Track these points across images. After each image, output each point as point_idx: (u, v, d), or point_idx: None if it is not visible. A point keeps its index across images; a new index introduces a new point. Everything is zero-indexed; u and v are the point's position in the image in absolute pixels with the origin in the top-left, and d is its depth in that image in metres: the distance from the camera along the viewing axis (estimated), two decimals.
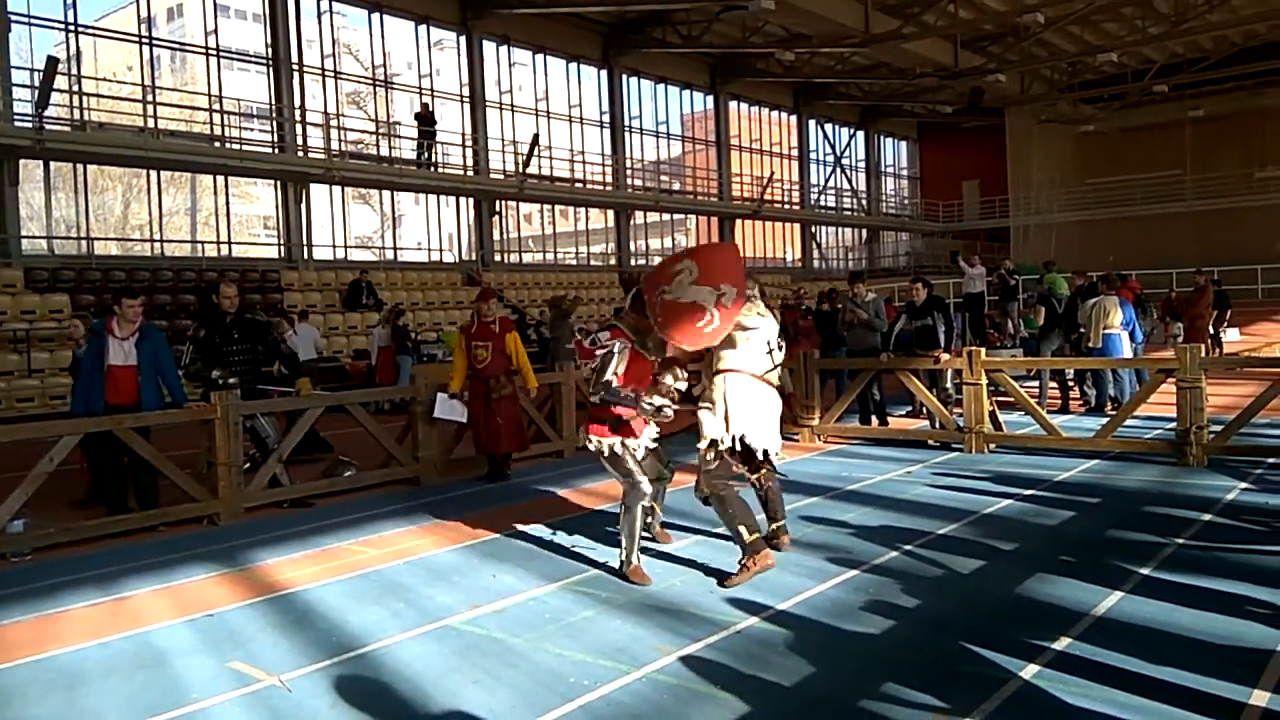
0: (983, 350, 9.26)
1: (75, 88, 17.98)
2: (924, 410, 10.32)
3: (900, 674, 3.70)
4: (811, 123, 35.21)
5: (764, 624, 4.36)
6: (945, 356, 9.32)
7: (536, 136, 23.89)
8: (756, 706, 3.48)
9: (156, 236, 19.79)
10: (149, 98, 18.38)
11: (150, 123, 18.20)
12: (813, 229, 35.48)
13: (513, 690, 3.69)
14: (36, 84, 16.16)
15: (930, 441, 9.44)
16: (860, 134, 37.94)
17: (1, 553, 6.14)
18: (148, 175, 19.49)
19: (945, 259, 33.25)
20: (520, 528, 6.47)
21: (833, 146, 36.72)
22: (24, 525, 6.27)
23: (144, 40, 19.04)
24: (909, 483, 7.59)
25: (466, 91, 23.80)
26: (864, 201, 37.99)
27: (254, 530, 6.68)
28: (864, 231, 38.53)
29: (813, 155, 35.46)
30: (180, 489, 6.97)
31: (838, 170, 36.77)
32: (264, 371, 7.73)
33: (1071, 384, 11.86)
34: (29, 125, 16.08)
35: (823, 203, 35.99)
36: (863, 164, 38.43)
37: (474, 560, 5.69)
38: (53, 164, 17.68)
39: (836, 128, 36.84)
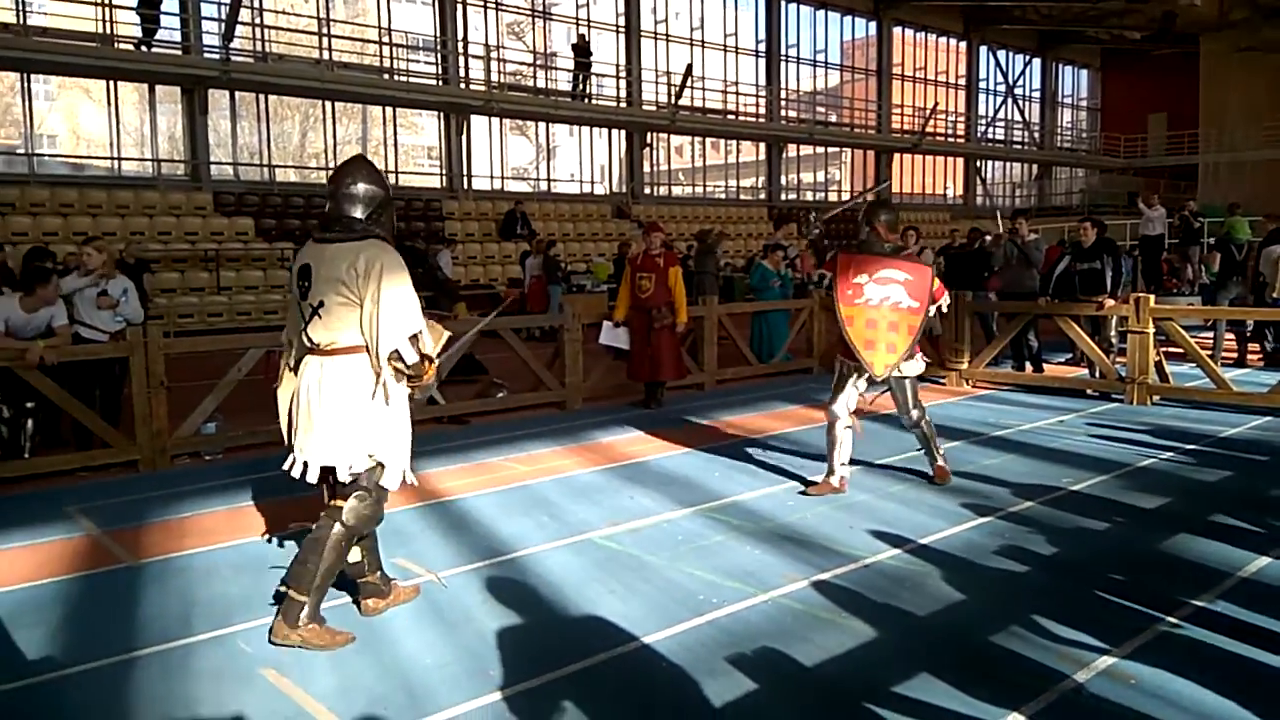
0: (1151, 297, 8.75)
1: (257, 20, 19.06)
2: (1084, 359, 9.89)
3: (1027, 617, 3.71)
4: (982, 49, 33.24)
5: (892, 560, 4.42)
6: (1110, 302, 8.88)
7: (690, 67, 23.66)
8: (880, 635, 3.58)
9: (331, 165, 20.92)
10: (324, 30, 19.30)
11: (325, 55, 19.13)
12: (978, 164, 33.79)
13: (646, 602, 3.92)
14: (223, 17, 17.26)
15: (1089, 391, 9.07)
16: (1036, 61, 35.57)
17: (196, 451, 6.88)
18: (323, 106, 20.54)
19: (1124, 199, 31.10)
20: (658, 455, 6.71)
21: (1005, 75, 34.60)
22: (216, 427, 6.99)
23: None
24: (1061, 432, 7.37)
25: (622, 21, 23.77)
26: (1036, 135, 35.80)
27: (417, 442, 7.11)
28: (1035, 167, 36.39)
29: (982, 85, 33.54)
30: None
31: (1009, 101, 34.69)
32: (423, 296, 8.22)
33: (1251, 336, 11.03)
34: (216, 57, 17.24)
35: (991, 135, 34.15)
36: (1037, 94, 36.08)
37: (614, 482, 5.96)
38: (237, 94, 18.90)
39: (1010, 55, 34.64)
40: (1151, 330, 8.44)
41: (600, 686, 3.23)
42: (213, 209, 17.00)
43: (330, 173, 3.60)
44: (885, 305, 5.42)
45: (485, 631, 3.66)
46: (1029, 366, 10.06)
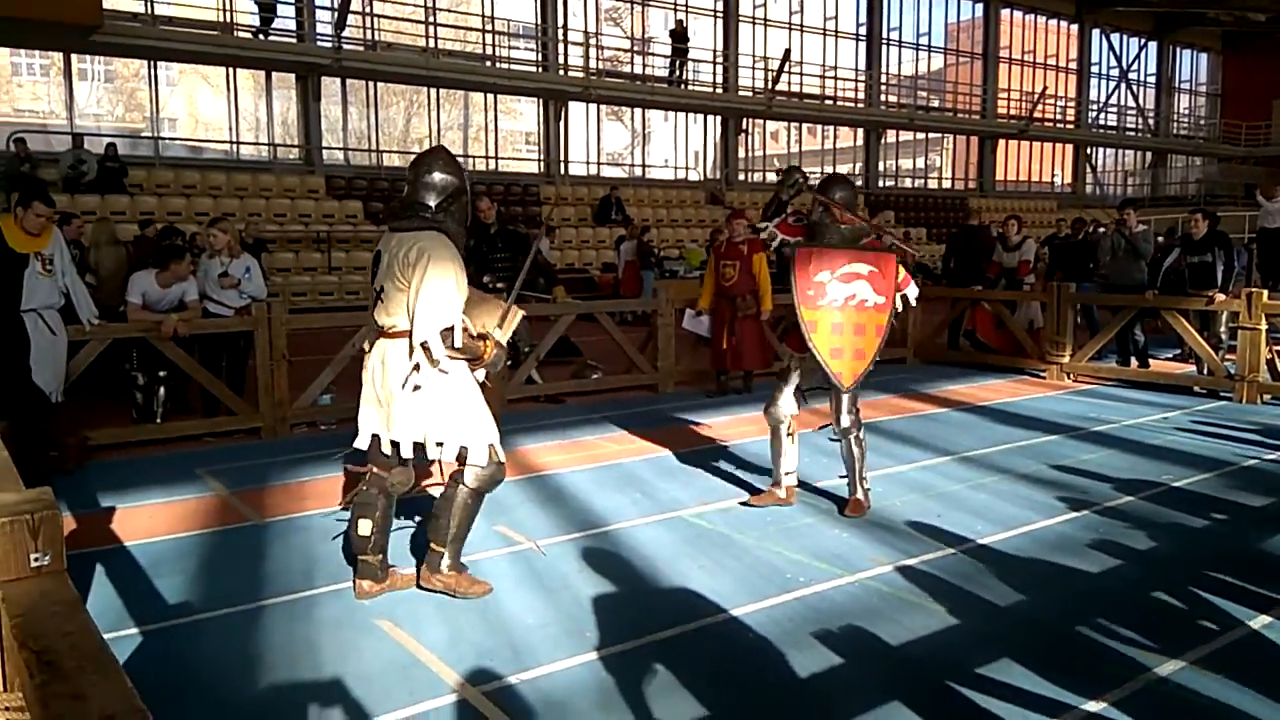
0: (1265, 292, 8.42)
1: (368, 9, 19.72)
2: (1192, 355, 9.59)
3: (1117, 609, 3.72)
4: (1095, 32, 31.97)
5: (982, 549, 4.46)
6: (1220, 297, 8.60)
7: (788, 52, 23.50)
8: (965, 621, 3.65)
9: None
10: (430, 19, 19.84)
11: (431, 43, 19.68)
12: (1088, 151, 32.60)
13: (734, 578, 4.07)
14: (335, 7, 17.93)
15: (1196, 388, 8.81)
16: (1152, 45, 34.03)
17: (313, 421, 7.31)
18: (428, 92, 21.16)
19: (1242, 190, 29.62)
20: (747, 439, 6.82)
21: (1118, 59, 33.22)
22: (331, 399, 7.40)
23: None
24: (1163, 428, 7.21)
25: (720, 6, 23.73)
26: (1151, 121, 34.31)
27: (515, 420, 7.46)
28: (1148, 155, 34.91)
29: (1094, 69, 32.27)
30: None
31: (1122, 85, 33.33)
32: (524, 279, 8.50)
33: None
34: (329, 46, 17.93)
35: (1102, 121, 32.88)
36: (1153, 78, 34.54)
37: (704, 462, 6.12)
38: (348, 81, 19.60)
39: (1124, 37, 33.23)
40: (1264, 326, 8.15)
41: (689, 652, 3.40)
42: (324, 192, 17.74)
43: (412, 163, 3.83)
44: (850, 305, 4.79)
45: (581, 597, 3.87)
46: (1134, 361, 9.80)
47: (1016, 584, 4.01)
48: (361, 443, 3.85)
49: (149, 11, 16.49)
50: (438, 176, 3.70)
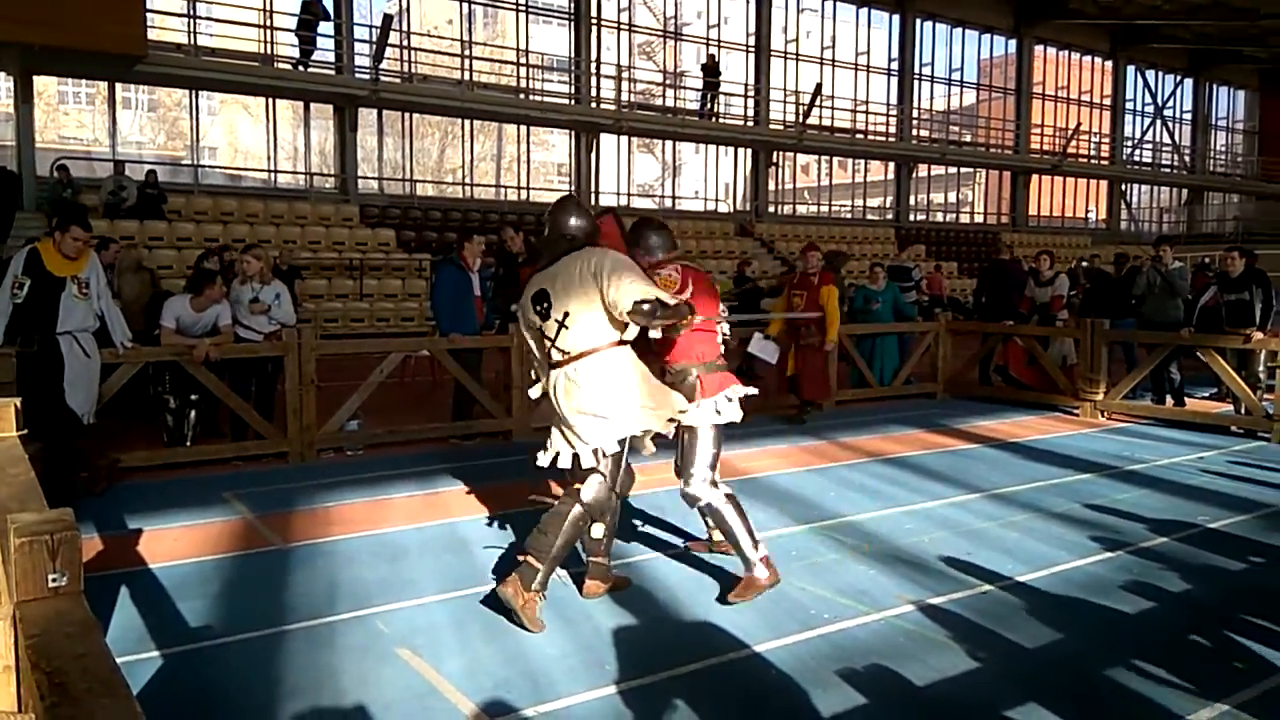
0: None
1: (405, 43, 20.07)
2: (1229, 394, 9.41)
3: (1150, 652, 3.62)
4: (1130, 69, 31.85)
5: (1011, 588, 4.37)
6: (1258, 336, 8.44)
7: (819, 86, 23.58)
8: (991, 662, 3.57)
9: (467, 180, 21.79)
10: (465, 52, 20.15)
11: (466, 75, 19.97)
12: (1123, 187, 32.35)
13: (757, 613, 4.01)
14: (374, 40, 18.26)
15: (1233, 428, 8.63)
16: (1188, 82, 33.81)
17: (339, 446, 7.34)
18: (462, 124, 21.43)
19: None
20: (774, 471, 6.77)
21: (1153, 95, 33.06)
22: (358, 425, 7.44)
23: None
24: (1199, 469, 7.06)
25: (753, 41, 23.91)
26: (1187, 158, 34.00)
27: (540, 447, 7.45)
28: (1184, 192, 34.56)
29: (1129, 105, 32.11)
30: (482, 406, 7.90)
31: (1158, 122, 33.11)
32: None
33: None
34: (367, 78, 18.25)
35: (1137, 158, 32.63)
36: (1189, 115, 34.30)
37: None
38: (384, 112, 19.91)
39: (1160, 74, 33.06)
40: None
41: (710, 688, 3.34)
42: (358, 220, 17.97)
43: (548, 209, 4.19)
44: None
45: (603, 629, 3.83)
46: (1169, 400, 9.63)
47: (1047, 625, 3.92)
48: (563, 463, 3.99)
49: (192, 43, 16.90)
50: (573, 222, 4.01)
